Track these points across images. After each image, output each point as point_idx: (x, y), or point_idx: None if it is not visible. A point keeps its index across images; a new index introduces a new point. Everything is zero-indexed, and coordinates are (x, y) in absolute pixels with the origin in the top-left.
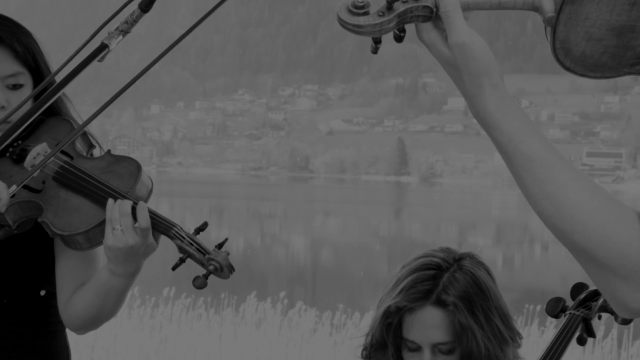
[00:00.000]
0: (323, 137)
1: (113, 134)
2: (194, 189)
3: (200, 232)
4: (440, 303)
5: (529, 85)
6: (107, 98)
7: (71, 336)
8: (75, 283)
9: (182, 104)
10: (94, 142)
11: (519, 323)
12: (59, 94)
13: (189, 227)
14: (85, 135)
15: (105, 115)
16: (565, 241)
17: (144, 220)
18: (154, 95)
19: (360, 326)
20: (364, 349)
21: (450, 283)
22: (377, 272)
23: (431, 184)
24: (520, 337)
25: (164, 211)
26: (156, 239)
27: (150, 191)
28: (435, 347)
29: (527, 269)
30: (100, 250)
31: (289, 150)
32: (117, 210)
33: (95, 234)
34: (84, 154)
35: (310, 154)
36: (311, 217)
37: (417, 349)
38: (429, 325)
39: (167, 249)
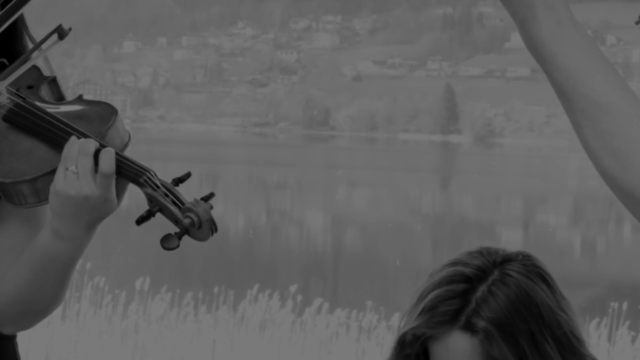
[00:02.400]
0: (348, 84)
1: (74, 79)
2: (180, 150)
3: (181, 184)
4: (470, 328)
5: (615, 16)
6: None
7: (22, 345)
8: (12, 257)
9: (164, 40)
10: (64, 94)
11: (601, 326)
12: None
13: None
14: (54, 83)
15: (65, 55)
16: (633, 209)
17: (108, 165)
18: (128, 29)
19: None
20: None
21: (484, 301)
22: (417, 261)
23: (489, 145)
24: None
25: None
26: (120, 195)
27: (126, 145)
28: None
29: (614, 257)
30: (49, 215)
31: (304, 101)
32: (76, 147)
33: (46, 185)
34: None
35: (331, 105)
36: (332, 187)
37: None
38: (458, 356)
39: (143, 231)
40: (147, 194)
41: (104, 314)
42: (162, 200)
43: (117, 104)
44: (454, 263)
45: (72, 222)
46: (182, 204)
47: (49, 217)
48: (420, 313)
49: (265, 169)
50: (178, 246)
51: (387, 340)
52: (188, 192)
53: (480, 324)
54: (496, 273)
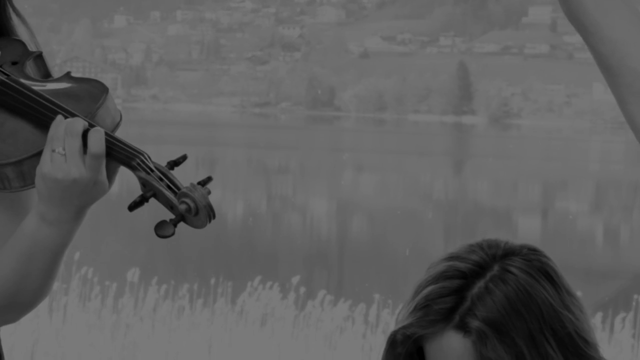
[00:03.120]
0: (354, 62)
1: (62, 55)
2: (175, 132)
3: (176, 167)
4: (464, 327)
5: None
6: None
7: (6, 341)
8: None
9: (157, 14)
10: (51, 71)
11: (625, 321)
12: None
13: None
14: (40, 59)
15: (52, 30)
16: None
17: (97, 145)
18: (119, 2)
19: None
20: None
21: (480, 299)
22: (428, 251)
23: (505, 127)
24: None
25: None
26: (111, 178)
27: (117, 125)
28: None
29: (639, 246)
30: (35, 201)
31: (307, 80)
32: (62, 127)
33: (32, 168)
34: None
35: (337, 84)
36: (337, 172)
37: None
38: (452, 358)
39: (135, 218)
40: (140, 178)
41: (93, 307)
42: (156, 184)
43: (107, 83)
44: (450, 257)
45: (59, 206)
46: (178, 188)
47: (35, 201)
48: (413, 310)
49: (266, 152)
50: (173, 234)
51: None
52: (183, 177)
53: (474, 323)
54: (496, 268)
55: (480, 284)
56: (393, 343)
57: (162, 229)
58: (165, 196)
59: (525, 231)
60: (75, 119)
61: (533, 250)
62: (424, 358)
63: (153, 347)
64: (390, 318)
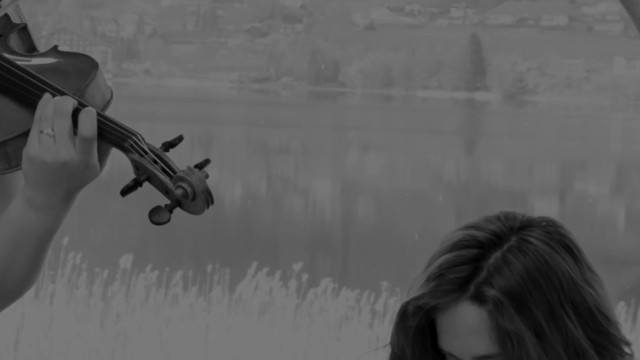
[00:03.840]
0: (360, 34)
1: (48, 27)
2: (169, 109)
3: (171, 149)
4: (480, 298)
5: None
6: None
7: None
8: None
9: None
10: (36, 44)
11: None
12: None
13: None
14: (24, 32)
15: (37, 0)
16: None
17: (88, 127)
18: None
19: None
20: None
21: (497, 268)
22: (439, 235)
23: (520, 104)
24: (627, 345)
25: None
26: (103, 160)
27: (108, 103)
28: None
29: None
30: (22, 184)
31: (309, 53)
32: (51, 107)
33: (17, 149)
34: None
35: (341, 58)
36: (342, 152)
37: None
38: (466, 331)
39: (126, 202)
40: (133, 161)
41: (81, 296)
42: (151, 167)
43: (96, 56)
44: (467, 227)
45: (48, 190)
46: (174, 172)
47: (22, 185)
48: (426, 281)
49: (266, 131)
50: (169, 220)
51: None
52: (178, 157)
53: (490, 292)
54: (513, 239)
55: (497, 254)
56: (404, 315)
57: (156, 215)
58: (160, 180)
59: (542, 214)
60: (64, 97)
61: (552, 223)
62: (435, 334)
63: (145, 337)
64: (399, 307)
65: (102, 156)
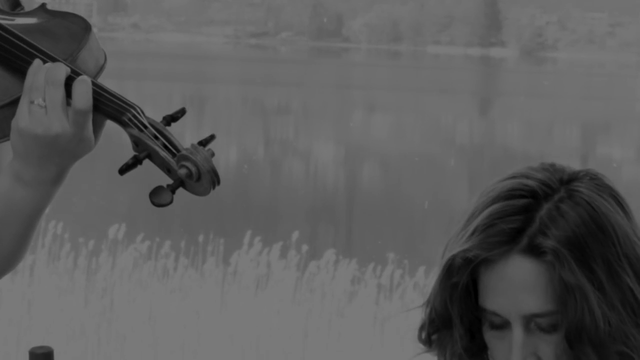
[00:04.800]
0: None
1: None
2: (159, 66)
3: (173, 123)
4: (534, 250)
5: None
6: None
7: None
8: None
9: None
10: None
11: None
12: None
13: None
14: None
15: None
16: None
17: (83, 100)
18: None
19: (424, 289)
20: (421, 328)
21: (551, 219)
22: (450, 203)
23: (539, 61)
24: None
25: None
26: (98, 131)
27: (101, 69)
28: (531, 321)
29: None
30: (10, 155)
31: (311, 6)
32: (42, 75)
33: (4, 119)
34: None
35: (345, 11)
36: (346, 112)
37: (503, 324)
38: (517, 286)
39: (113, 165)
40: (132, 136)
41: (64, 268)
42: (151, 143)
43: (80, 9)
44: (513, 177)
45: (37, 165)
46: (176, 149)
47: (9, 158)
48: (474, 233)
49: (264, 90)
50: (171, 202)
51: (413, 301)
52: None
53: (547, 243)
54: (563, 190)
55: (549, 205)
56: (449, 270)
57: (158, 196)
58: (161, 157)
59: None
60: (57, 64)
61: (597, 175)
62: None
63: (132, 313)
64: (407, 280)
65: (97, 128)
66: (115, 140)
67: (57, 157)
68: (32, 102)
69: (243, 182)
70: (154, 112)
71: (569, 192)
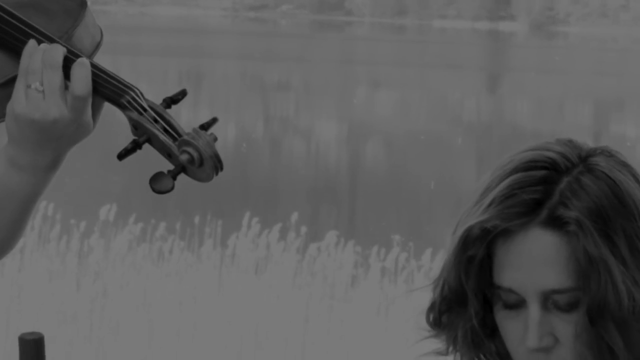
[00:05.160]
0: None
1: None
2: (154, 40)
3: (173, 105)
4: (555, 222)
5: None
6: None
7: None
8: None
9: None
10: None
11: None
12: None
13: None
14: None
15: None
16: None
17: (82, 83)
18: None
19: (430, 272)
20: (431, 308)
21: (572, 191)
22: (457, 183)
23: (550, 35)
24: None
25: None
26: (97, 114)
27: (97, 46)
28: (549, 299)
29: None
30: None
31: None
32: (39, 57)
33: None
34: None
35: None
36: (349, 89)
37: (518, 303)
38: (536, 261)
39: (106, 144)
40: (131, 119)
41: (55, 251)
42: (151, 127)
43: None
44: (532, 148)
45: (33, 151)
46: (177, 133)
47: (4, 141)
48: (491, 204)
49: (263, 65)
50: (173, 188)
51: (418, 284)
52: (163, 97)
53: (570, 214)
54: (581, 165)
55: (568, 178)
56: (465, 243)
57: (159, 183)
58: (161, 142)
59: None
60: (53, 46)
61: (612, 152)
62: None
63: (126, 298)
64: (413, 264)
65: (95, 112)
66: (109, 118)
67: (54, 142)
68: (28, 86)
69: (241, 161)
70: (149, 89)
71: (588, 167)
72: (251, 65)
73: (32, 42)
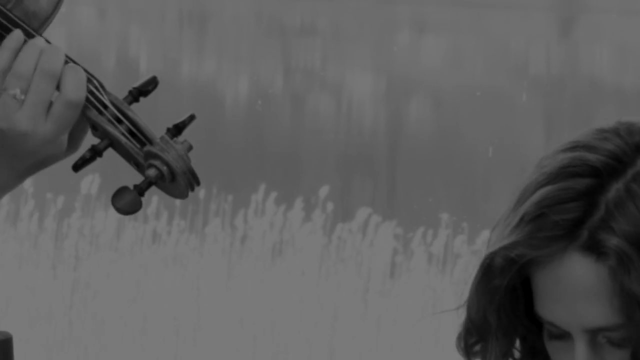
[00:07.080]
0: None
1: None
2: None
3: (142, 98)
4: (596, 248)
5: None
6: None
7: None
8: None
9: None
10: None
11: None
12: None
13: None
14: None
15: None
16: None
17: (75, 88)
18: None
19: None
20: (459, 338)
21: (618, 206)
22: (521, 150)
23: None
24: None
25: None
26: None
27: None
28: (598, 335)
29: None
30: None
31: None
32: (31, 60)
33: None
34: None
35: None
36: (387, 34)
37: (563, 334)
38: (576, 293)
39: None
40: (89, 119)
41: (26, 231)
42: (112, 130)
43: None
44: (574, 147)
45: None
46: (146, 137)
47: None
48: (519, 223)
49: (281, 5)
50: (140, 207)
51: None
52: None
53: (611, 242)
54: (638, 163)
55: (618, 185)
56: (488, 271)
57: (123, 200)
58: (125, 149)
59: None
60: (54, 48)
61: None
62: (528, 295)
63: (113, 290)
64: (466, 248)
65: (79, 133)
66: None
67: (15, 160)
68: (5, 90)
69: (256, 123)
70: (143, 36)
71: None
72: (267, 5)
73: (17, 34)
